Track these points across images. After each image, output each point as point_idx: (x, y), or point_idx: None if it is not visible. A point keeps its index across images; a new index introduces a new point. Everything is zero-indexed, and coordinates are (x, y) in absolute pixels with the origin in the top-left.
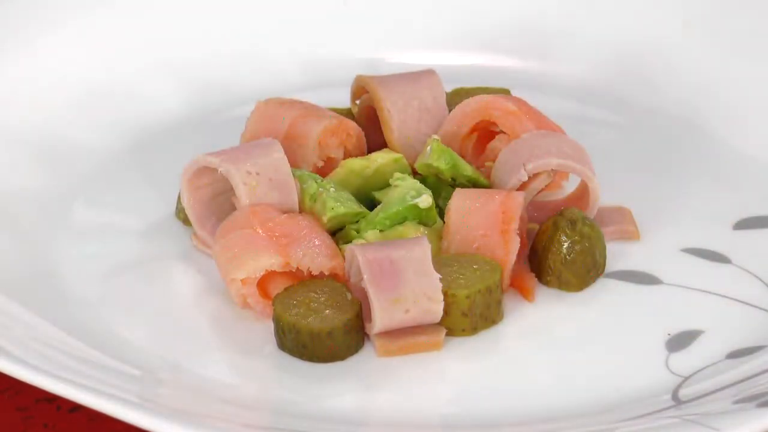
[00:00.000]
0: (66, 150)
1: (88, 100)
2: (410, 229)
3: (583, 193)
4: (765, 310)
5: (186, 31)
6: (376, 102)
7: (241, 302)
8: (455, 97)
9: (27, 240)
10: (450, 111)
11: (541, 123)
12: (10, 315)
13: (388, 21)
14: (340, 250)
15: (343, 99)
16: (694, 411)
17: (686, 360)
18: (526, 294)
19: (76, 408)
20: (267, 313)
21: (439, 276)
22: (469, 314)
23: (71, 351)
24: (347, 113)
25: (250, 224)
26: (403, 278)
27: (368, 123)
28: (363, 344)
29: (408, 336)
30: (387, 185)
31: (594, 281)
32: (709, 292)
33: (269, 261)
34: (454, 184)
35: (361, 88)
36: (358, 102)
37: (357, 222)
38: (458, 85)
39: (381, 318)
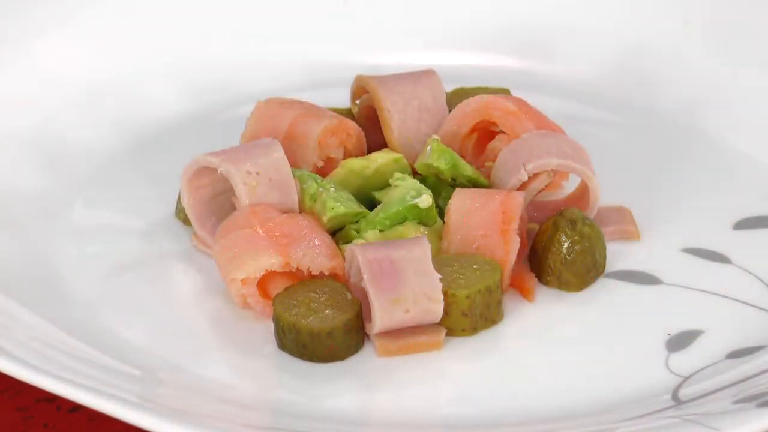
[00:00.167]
0: (66, 150)
1: (88, 100)
2: (410, 229)
3: (583, 193)
4: (765, 310)
5: (186, 31)
6: (376, 102)
7: (241, 302)
8: (455, 97)
9: (27, 240)
10: (450, 111)
11: (541, 123)
12: (10, 315)
13: (388, 21)
14: (340, 250)
15: (343, 99)
16: (694, 411)
17: (686, 360)
18: (526, 294)
19: (76, 408)
20: (267, 313)
21: (439, 276)
22: (469, 314)
23: (71, 351)
24: (347, 113)
25: (250, 224)
26: (403, 278)
27: (368, 123)
28: (363, 344)
29: (408, 336)
30: (387, 185)
31: (594, 281)
32: (709, 292)
33: (269, 261)
34: (454, 184)
35: (361, 88)
36: (358, 102)
37: (357, 222)
38: (458, 85)
39: (381, 318)
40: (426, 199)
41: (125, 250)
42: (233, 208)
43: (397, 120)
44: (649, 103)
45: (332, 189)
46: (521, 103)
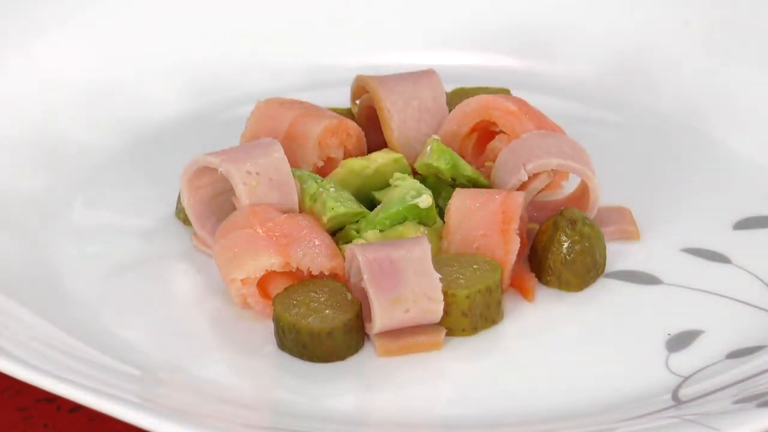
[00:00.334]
0: (66, 150)
1: (88, 100)
2: (410, 229)
3: (583, 193)
4: (765, 310)
5: (186, 31)
6: (376, 102)
7: (241, 302)
8: (455, 97)
9: (27, 240)
10: (450, 111)
11: (541, 123)
12: (10, 315)
13: (388, 21)
14: (340, 250)
15: (343, 99)
16: (694, 411)
17: (686, 360)
18: (526, 294)
19: (76, 408)
20: (267, 313)
21: (439, 276)
22: (469, 314)
23: (71, 351)
24: (347, 113)
25: (250, 224)
26: (403, 278)
27: (368, 123)
28: (363, 344)
29: (408, 336)
30: (387, 185)
31: (594, 281)
32: (709, 292)
33: (269, 261)
34: (454, 184)
35: (361, 88)
36: (358, 102)
37: (357, 222)
38: (458, 85)
39: (381, 318)
40: (426, 199)
41: (125, 250)
42: (233, 208)
43: (397, 120)
44: (649, 103)
45: (332, 189)
46: (521, 103)
